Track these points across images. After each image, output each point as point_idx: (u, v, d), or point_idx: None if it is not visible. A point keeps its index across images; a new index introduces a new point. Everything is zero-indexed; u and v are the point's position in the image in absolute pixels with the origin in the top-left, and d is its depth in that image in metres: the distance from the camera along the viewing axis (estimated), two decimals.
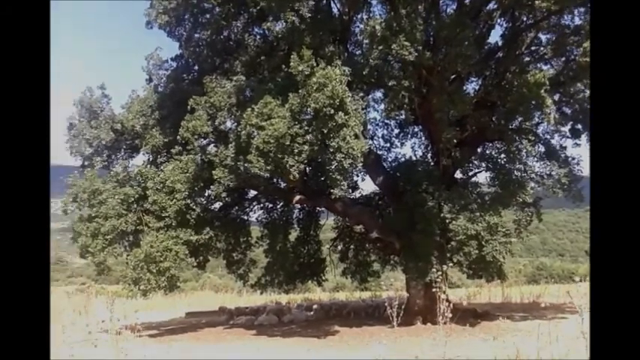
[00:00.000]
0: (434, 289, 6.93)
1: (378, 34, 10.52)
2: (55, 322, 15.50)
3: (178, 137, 14.30)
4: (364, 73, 11.46)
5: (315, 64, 10.45)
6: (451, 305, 7.41)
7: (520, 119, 12.55)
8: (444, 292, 7.47)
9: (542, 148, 13.03)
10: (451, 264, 15.17)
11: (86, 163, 15.37)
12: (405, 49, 10.27)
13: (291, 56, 10.65)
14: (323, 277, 20.25)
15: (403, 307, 13.62)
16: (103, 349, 8.90)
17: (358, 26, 16.63)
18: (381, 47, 10.57)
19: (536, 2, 10.56)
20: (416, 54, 10.47)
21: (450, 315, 7.19)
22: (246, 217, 18.72)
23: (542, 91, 11.20)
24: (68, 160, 16.73)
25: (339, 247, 20.83)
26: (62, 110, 16.03)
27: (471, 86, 16.96)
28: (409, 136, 18.94)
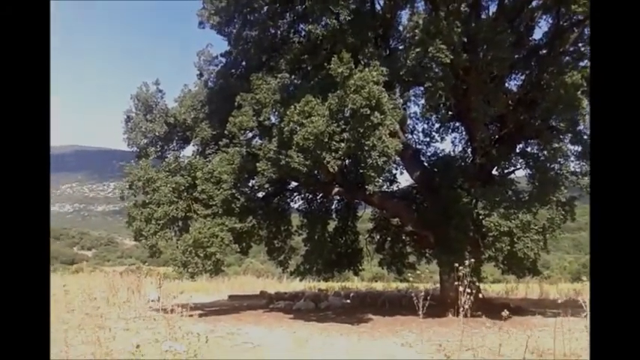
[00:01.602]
0: (462, 283, 7.42)
1: (416, 37, 10.97)
2: (113, 299, 16.94)
3: (226, 131, 15.24)
4: (401, 73, 11.94)
5: (353, 67, 11.04)
6: (476, 297, 7.88)
7: (557, 119, 12.64)
8: (468, 286, 7.93)
9: (579, 148, 13.10)
10: (485, 259, 15.55)
11: (141, 153, 16.62)
12: (441, 52, 10.69)
13: (332, 58, 11.27)
14: (360, 267, 20.93)
15: (434, 298, 14.19)
16: (157, 324, 9.91)
17: (401, 22, 16.99)
18: (418, 50, 11.02)
19: (572, 7, 10.68)
20: (452, 57, 10.86)
21: (476, 308, 7.64)
22: (287, 207, 19.59)
23: (580, 92, 11.33)
24: (120, 145, 18.01)
25: (376, 239, 21.37)
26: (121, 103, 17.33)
27: (513, 82, 17.07)
28: (450, 130, 19.09)
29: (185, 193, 15.72)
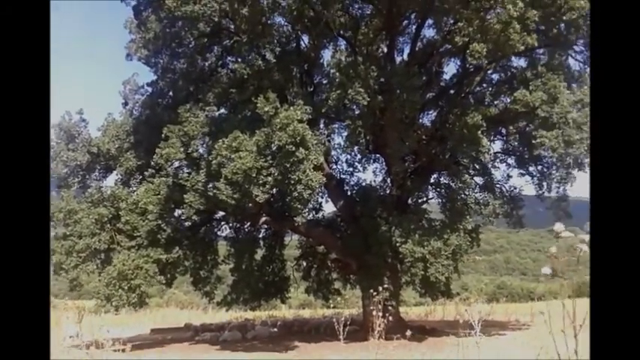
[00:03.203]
0: (376, 308, 8.11)
1: (337, 80, 11.96)
2: None
3: (152, 162, 15.24)
4: (323, 111, 12.86)
5: (279, 106, 11.77)
6: (396, 320, 8.64)
7: (462, 155, 14.13)
8: (384, 310, 8.66)
9: (481, 181, 14.67)
10: (403, 283, 16.65)
11: (62, 183, 16.11)
12: (359, 94, 11.73)
13: (259, 97, 11.94)
14: (287, 295, 21.29)
15: (358, 323, 14.96)
16: None
17: (324, 59, 18.06)
18: (339, 91, 12.00)
19: (468, 59, 12.25)
20: (369, 99, 11.95)
21: (395, 330, 8.36)
22: (214, 237, 19.61)
23: (480, 132, 12.84)
24: None
25: (303, 266, 21.91)
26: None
27: (427, 118, 18.71)
28: (372, 161, 20.30)
29: (108, 225, 15.43)
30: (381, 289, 8.07)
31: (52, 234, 15.31)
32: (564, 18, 12.53)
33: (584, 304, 3.58)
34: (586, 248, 2.97)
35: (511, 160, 17.81)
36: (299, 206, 11.81)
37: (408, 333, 8.78)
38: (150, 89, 18.10)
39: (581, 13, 12.31)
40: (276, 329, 19.78)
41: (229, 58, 17.41)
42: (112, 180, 18.00)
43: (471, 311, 6.73)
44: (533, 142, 12.73)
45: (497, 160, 17.62)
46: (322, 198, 19.35)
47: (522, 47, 11.77)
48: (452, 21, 14.45)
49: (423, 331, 16.75)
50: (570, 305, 3.72)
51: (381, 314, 8.15)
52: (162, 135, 15.12)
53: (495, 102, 16.66)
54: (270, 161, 11.76)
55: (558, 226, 2.92)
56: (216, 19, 13.06)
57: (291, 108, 11.66)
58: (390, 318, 14.53)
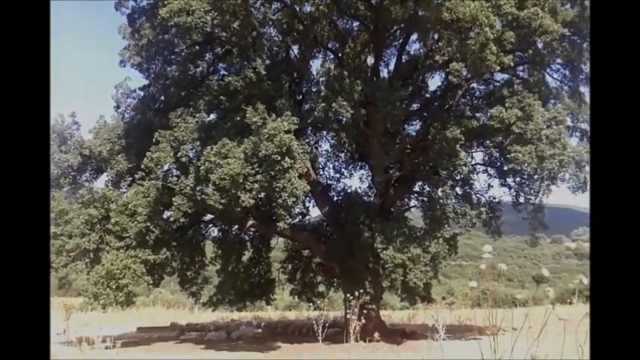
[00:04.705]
0: (352, 311, 8.63)
1: (322, 94, 12.54)
2: None
3: (142, 165, 15.65)
4: (309, 121, 13.43)
5: (267, 117, 12.32)
6: (377, 323, 9.16)
7: (441, 167, 14.76)
8: (361, 314, 9.18)
9: (460, 191, 15.32)
10: (385, 288, 17.22)
11: (53, 184, 16.46)
12: (343, 107, 12.31)
13: (247, 108, 12.48)
14: (272, 297, 21.76)
15: (341, 325, 15.48)
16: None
17: (314, 67, 18.69)
18: (324, 104, 12.57)
19: (450, 77, 12.91)
20: (352, 112, 12.53)
21: (376, 333, 8.82)
22: (201, 238, 20.00)
23: (458, 145, 13.48)
24: None
25: (288, 269, 22.39)
26: None
27: (412, 128, 19.32)
28: (358, 167, 20.86)
29: (98, 225, 15.81)
30: (357, 293, 8.56)
31: None
32: (539, 40, 13.22)
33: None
34: (505, 267, 3.51)
35: (492, 171, 18.49)
36: (283, 213, 12.35)
37: (376, 335, 9.29)
38: (142, 93, 18.50)
39: (554, 37, 13.00)
40: (260, 330, 20.25)
41: (221, 64, 17.89)
42: (102, 181, 18.40)
43: (436, 317, 7.26)
44: (508, 156, 13.39)
45: (480, 171, 18.34)
46: (309, 203, 19.88)
47: (498, 67, 12.42)
48: (436, 37, 15.09)
49: (402, 334, 17.34)
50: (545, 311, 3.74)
51: (356, 317, 8.68)
52: (153, 139, 15.55)
53: (477, 114, 17.32)
54: (257, 169, 12.29)
55: (486, 247, 3.47)
56: (208, 30, 13.54)
57: (279, 119, 12.20)
58: (369, 321, 15.16)
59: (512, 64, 13.15)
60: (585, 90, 17.07)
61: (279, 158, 11.81)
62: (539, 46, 14.41)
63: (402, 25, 15.02)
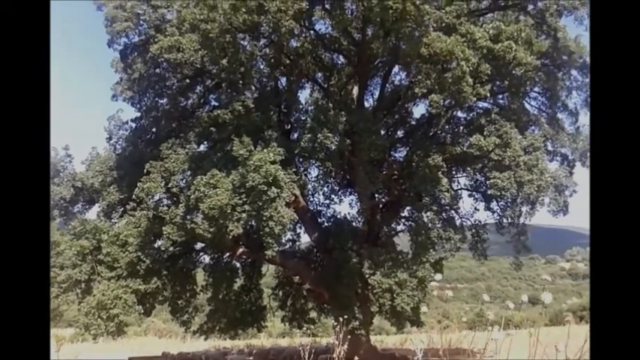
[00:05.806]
0: (337, 337, 8.86)
1: (308, 125, 13.06)
2: None
3: (133, 196, 15.96)
4: (296, 152, 13.92)
5: (253, 148, 12.79)
6: (367, 348, 9.41)
7: (424, 193, 15.22)
8: (340, 340, 9.40)
9: (445, 216, 15.76)
10: (374, 313, 17.40)
11: None
12: (328, 138, 12.81)
13: (234, 141, 12.97)
14: (263, 324, 21.79)
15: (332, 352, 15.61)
16: None
17: (302, 96, 19.31)
18: (309, 135, 13.07)
19: (429, 109, 13.51)
20: (337, 142, 13.03)
21: (366, 357, 9.02)
22: (192, 267, 20.16)
23: (439, 172, 13.97)
24: None
25: (280, 295, 22.50)
26: None
27: (399, 154, 19.83)
28: (347, 193, 21.24)
29: (89, 256, 16.00)
30: (342, 319, 8.81)
31: None
32: (514, 72, 13.90)
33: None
34: (451, 293, 3.89)
35: (478, 195, 18.98)
36: (271, 240, 12.68)
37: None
38: (134, 125, 18.93)
39: (528, 69, 13.68)
40: (252, 358, 20.24)
41: (211, 96, 18.42)
42: (94, 212, 18.64)
43: (415, 341, 7.59)
44: (488, 182, 13.88)
45: (465, 195, 18.81)
46: (300, 229, 20.16)
47: (475, 98, 13.02)
48: (416, 70, 15.74)
49: (392, 359, 17.49)
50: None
51: (340, 342, 8.92)
52: (145, 170, 15.91)
53: (460, 141, 17.88)
54: (245, 198, 12.66)
55: (438, 276, 3.85)
56: (198, 65, 14.09)
57: (265, 150, 12.66)
58: (359, 346, 15.30)
59: (488, 95, 13.76)
60: (562, 116, 17.80)
61: (265, 188, 12.22)
62: (517, 75, 15.08)
63: (384, 59, 15.67)
